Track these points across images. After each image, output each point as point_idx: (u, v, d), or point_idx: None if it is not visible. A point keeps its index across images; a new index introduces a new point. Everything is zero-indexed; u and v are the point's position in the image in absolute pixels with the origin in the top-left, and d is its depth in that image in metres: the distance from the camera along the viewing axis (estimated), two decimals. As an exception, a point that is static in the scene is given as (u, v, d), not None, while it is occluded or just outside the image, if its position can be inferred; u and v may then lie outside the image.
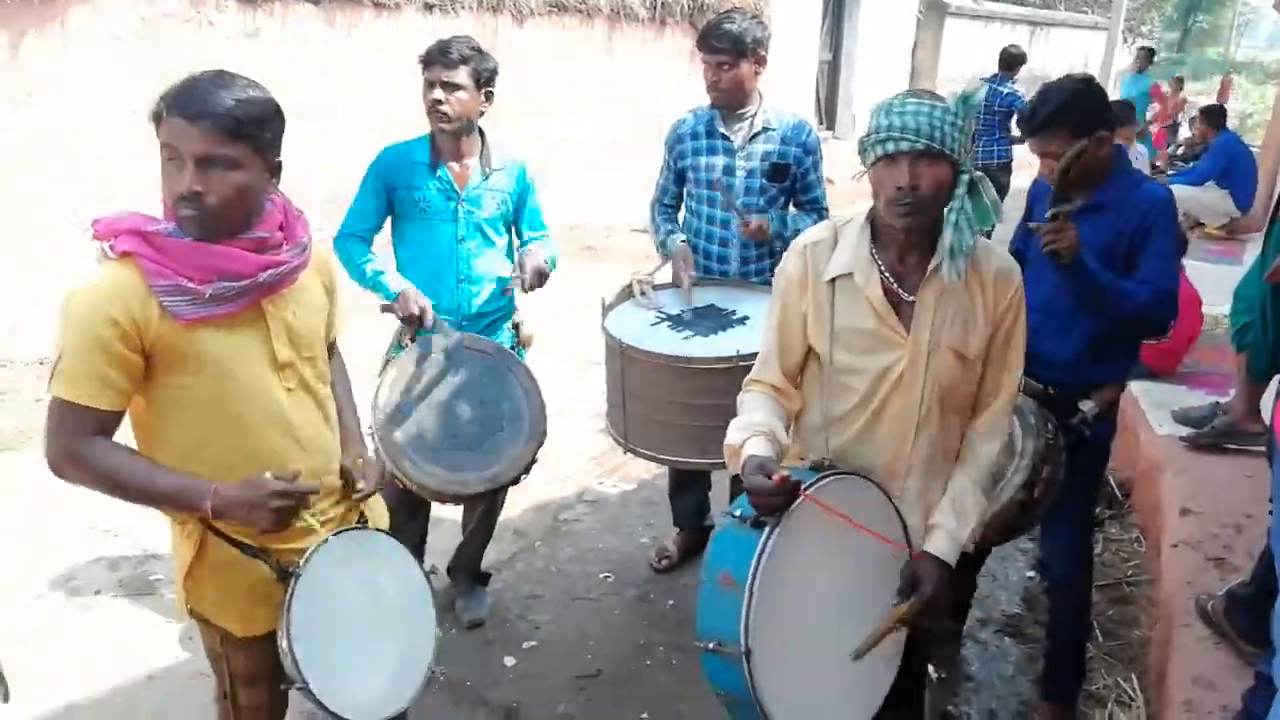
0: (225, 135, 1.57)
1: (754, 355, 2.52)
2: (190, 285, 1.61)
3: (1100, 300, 2.35)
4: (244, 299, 1.68)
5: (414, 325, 2.73)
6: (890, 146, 1.72)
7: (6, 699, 1.61)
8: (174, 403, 1.70)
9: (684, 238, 3.23)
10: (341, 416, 2.02)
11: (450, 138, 2.81)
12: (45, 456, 1.64)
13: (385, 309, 2.80)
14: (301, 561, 1.76)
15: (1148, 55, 12.32)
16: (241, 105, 1.59)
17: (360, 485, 1.95)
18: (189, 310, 1.63)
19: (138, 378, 1.65)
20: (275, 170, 1.72)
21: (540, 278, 2.85)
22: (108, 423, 1.65)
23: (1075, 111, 2.36)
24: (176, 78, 1.62)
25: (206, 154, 1.57)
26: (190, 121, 1.56)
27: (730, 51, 2.99)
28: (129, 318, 1.59)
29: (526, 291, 2.87)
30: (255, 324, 1.74)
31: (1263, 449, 3.56)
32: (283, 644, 1.72)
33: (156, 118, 1.60)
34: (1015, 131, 8.25)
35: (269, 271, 1.68)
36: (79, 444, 1.62)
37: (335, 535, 1.85)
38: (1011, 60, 8.34)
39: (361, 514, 2.01)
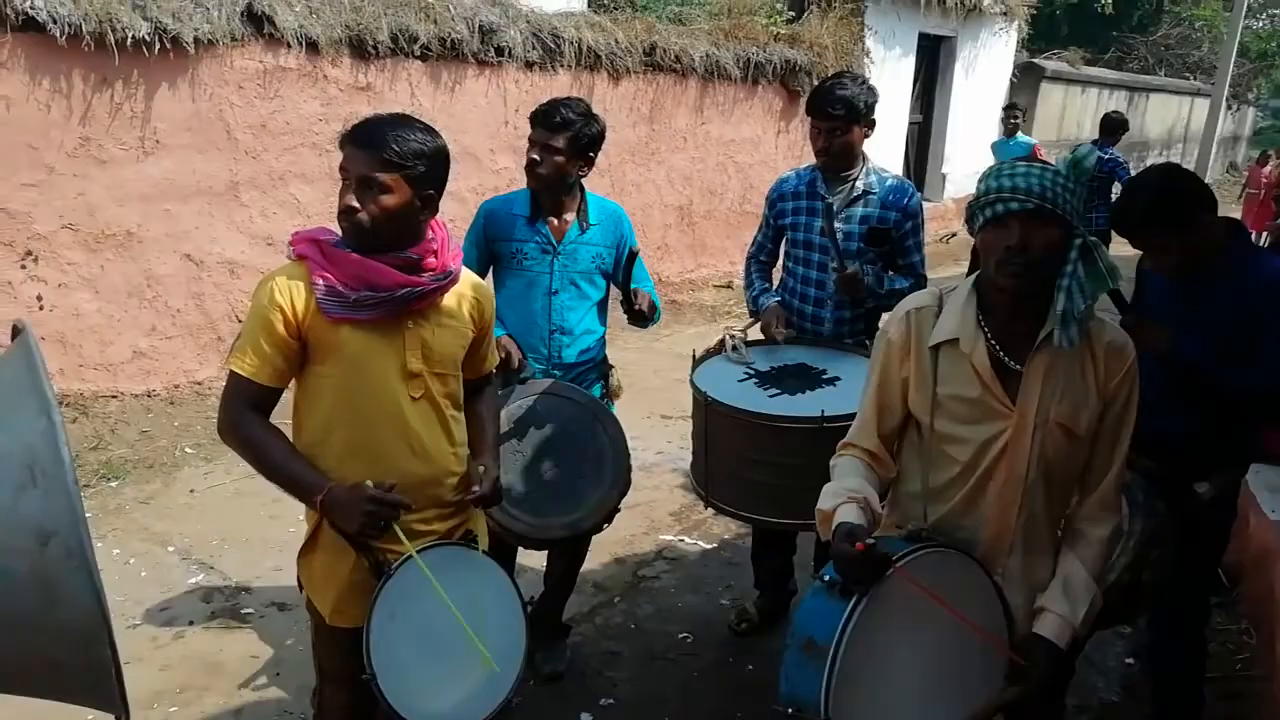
0: (380, 163, 1.83)
1: (840, 417, 2.52)
2: (340, 289, 1.86)
3: (1209, 388, 2.30)
4: (383, 309, 1.90)
5: (504, 370, 2.80)
6: (1000, 208, 1.70)
7: None
8: (314, 388, 1.95)
9: (778, 297, 3.23)
10: (483, 430, 2.24)
11: (547, 194, 2.89)
12: (217, 421, 1.94)
13: None
14: (395, 563, 1.89)
15: (1010, 114, 9.29)
16: (401, 141, 1.85)
17: (475, 487, 2.10)
18: (337, 310, 1.87)
19: (295, 361, 1.91)
20: (428, 202, 1.93)
21: (651, 308, 2.92)
22: (264, 398, 1.91)
23: (1166, 205, 2.29)
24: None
25: (364, 176, 1.85)
26: (357, 148, 1.86)
27: (845, 118, 2.99)
28: (291, 307, 1.86)
29: (636, 309, 2.90)
30: (394, 334, 1.95)
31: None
32: (365, 638, 1.85)
33: (341, 145, 1.90)
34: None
35: (405, 290, 1.90)
36: (237, 412, 1.89)
37: (438, 546, 1.98)
38: (1113, 126, 8.18)
39: (470, 533, 2.12)
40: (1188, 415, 2.37)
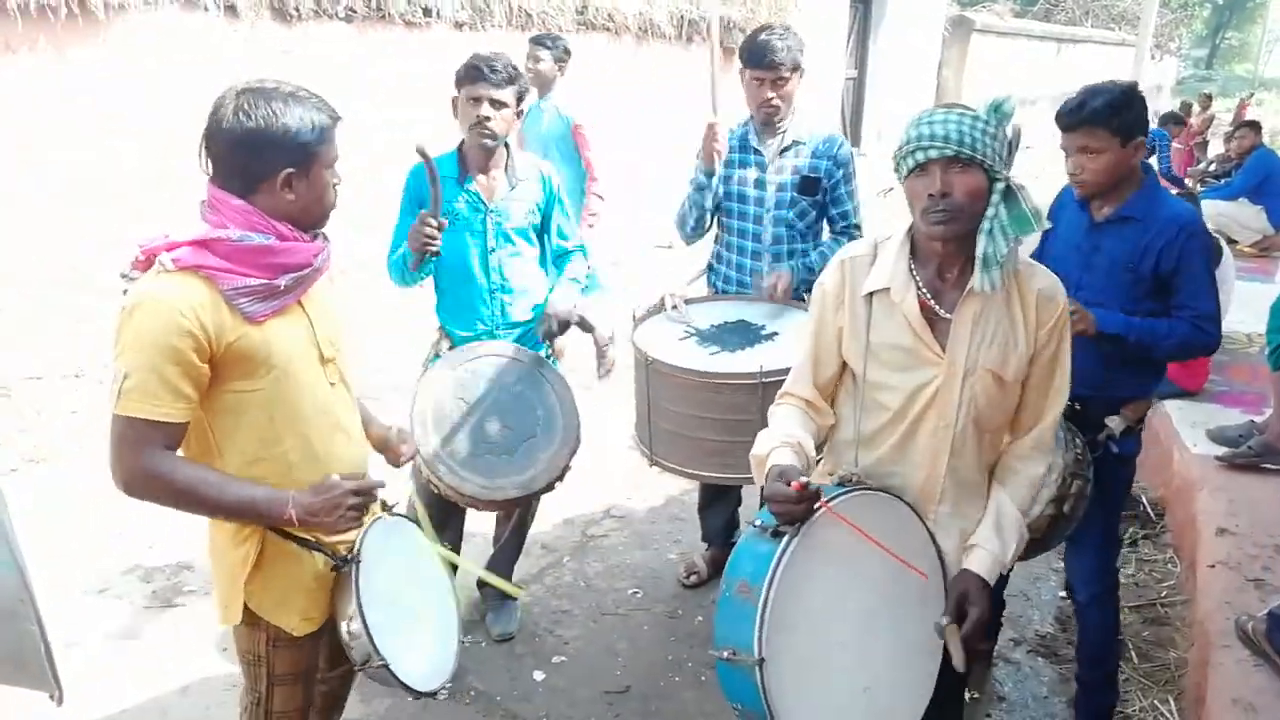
0: None
1: (778, 372, 2.54)
2: (265, 280, 1.67)
3: (1140, 350, 2.36)
4: (305, 286, 1.77)
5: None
6: (920, 156, 1.71)
7: (60, 702, 1.64)
8: (234, 408, 1.72)
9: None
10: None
11: (481, 151, 2.85)
12: (114, 476, 1.63)
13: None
14: (357, 547, 1.83)
15: (533, 55, 5.24)
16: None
17: (403, 449, 2.11)
18: (263, 307, 1.68)
19: (204, 388, 1.67)
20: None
21: (562, 325, 2.92)
22: (177, 436, 1.66)
23: (1125, 111, 2.33)
24: (216, 91, 1.68)
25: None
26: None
27: (788, 68, 3.01)
28: (201, 327, 1.60)
29: (543, 340, 2.95)
30: (302, 322, 1.81)
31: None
32: (353, 627, 1.77)
33: None
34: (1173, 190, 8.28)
35: (320, 256, 1.77)
36: (153, 460, 1.61)
37: (374, 522, 1.93)
38: (1168, 119, 8.40)
39: (384, 503, 2.03)
40: (1092, 351, 2.40)
